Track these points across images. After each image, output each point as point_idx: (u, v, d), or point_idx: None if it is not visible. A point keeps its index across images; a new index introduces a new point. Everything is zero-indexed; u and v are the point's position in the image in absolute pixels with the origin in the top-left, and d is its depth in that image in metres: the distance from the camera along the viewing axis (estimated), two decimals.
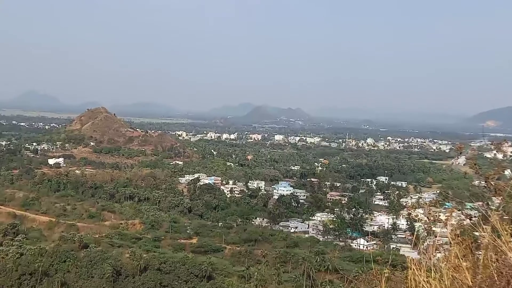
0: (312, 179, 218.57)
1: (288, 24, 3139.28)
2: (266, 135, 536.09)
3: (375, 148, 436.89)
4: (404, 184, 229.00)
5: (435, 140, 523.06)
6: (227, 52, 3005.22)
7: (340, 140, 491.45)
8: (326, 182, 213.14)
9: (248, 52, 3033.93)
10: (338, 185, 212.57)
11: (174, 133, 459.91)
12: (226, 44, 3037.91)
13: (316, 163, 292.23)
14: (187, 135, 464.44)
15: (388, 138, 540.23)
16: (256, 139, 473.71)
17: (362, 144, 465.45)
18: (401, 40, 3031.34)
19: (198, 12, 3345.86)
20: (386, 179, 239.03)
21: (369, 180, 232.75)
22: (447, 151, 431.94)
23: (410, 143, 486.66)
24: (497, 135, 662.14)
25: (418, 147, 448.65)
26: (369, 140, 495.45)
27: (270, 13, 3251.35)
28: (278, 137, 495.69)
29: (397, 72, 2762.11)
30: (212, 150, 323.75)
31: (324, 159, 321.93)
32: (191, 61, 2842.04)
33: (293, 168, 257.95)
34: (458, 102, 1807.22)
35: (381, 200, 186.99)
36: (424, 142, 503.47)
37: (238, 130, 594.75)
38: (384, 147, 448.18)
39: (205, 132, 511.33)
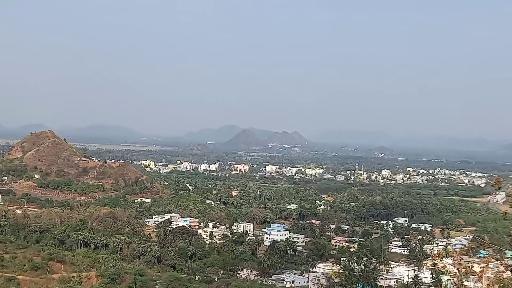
0: (313, 221, 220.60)
1: (281, 26, 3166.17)
2: (255, 165, 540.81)
3: (392, 182, 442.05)
4: (428, 227, 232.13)
5: (467, 172, 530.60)
6: (206, 63, 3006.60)
7: (348, 172, 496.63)
8: (330, 225, 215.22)
9: (233, 63, 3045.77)
10: (345, 228, 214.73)
11: (139, 163, 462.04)
12: (204, 53, 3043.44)
13: (318, 201, 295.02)
14: (156, 165, 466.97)
15: (408, 169, 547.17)
16: (243, 170, 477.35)
17: (376, 177, 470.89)
18: (422, 43, 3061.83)
19: (169, 10, 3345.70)
20: (405, 220, 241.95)
21: (384, 222, 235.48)
22: (482, 185, 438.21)
23: (436, 176, 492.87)
24: None
25: (446, 181, 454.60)
26: (385, 172, 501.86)
27: (258, 14, 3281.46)
28: (270, 168, 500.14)
29: (419, 85, 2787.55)
30: (187, 185, 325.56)
31: (328, 195, 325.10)
32: (160, 74, 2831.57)
33: (289, 207, 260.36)
34: (497, 124, 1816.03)
35: (399, 247, 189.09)
36: (454, 174, 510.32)
37: (220, 159, 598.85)
38: (403, 181, 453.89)
39: (178, 162, 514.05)
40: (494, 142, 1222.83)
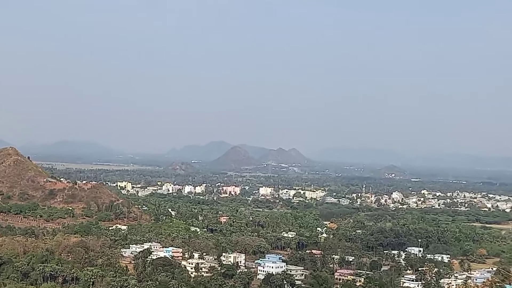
0: (314, 251, 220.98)
1: (277, 27, 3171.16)
2: (247, 187, 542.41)
3: (404, 206, 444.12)
4: (446, 258, 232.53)
5: (491, 195, 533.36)
6: (191, 71, 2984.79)
7: (354, 195, 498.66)
8: (333, 255, 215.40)
9: (221, 70, 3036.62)
10: (350, 259, 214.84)
11: (114, 184, 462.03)
12: (189, 59, 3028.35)
13: (319, 228, 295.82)
14: (133, 187, 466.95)
15: (422, 191, 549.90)
16: (233, 193, 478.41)
17: (386, 200, 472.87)
18: (438, 46, 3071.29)
19: (148, 11, 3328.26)
20: (420, 250, 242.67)
21: (395, 252, 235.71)
22: (507, 210, 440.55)
23: (455, 199, 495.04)
24: None
25: (466, 205, 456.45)
26: (396, 195, 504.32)
27: (251, 14, 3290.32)
28: (265, 191, 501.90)
29: (433, 94, 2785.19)
30: (170, 209, 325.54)
31: (331, 222, 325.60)
32: (138, 84, 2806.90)
33: (286, 235, 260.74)
34: None
35: (412, 281, 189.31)
36: (475, 197, 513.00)
37: (207, 180, 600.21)
38: (417, 205, 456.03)
39: (159, 183, 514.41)
40: None
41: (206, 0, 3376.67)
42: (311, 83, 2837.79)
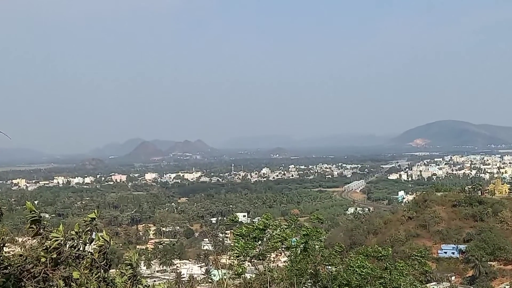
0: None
1: (179, 34, 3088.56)
2: (156, 174, 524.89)
3: (264, 178, 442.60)
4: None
5: (344, 165, 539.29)
6: (106, 71, 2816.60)
7: (226, 174, 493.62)
8: None
9: (140, 66, 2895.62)
10: None
11: (8, 182, 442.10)
12: (105, 59, 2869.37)
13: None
14: (28, 183, 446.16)
15: (290, 166, 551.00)
16: (120, 180, 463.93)
17: (251, 175, 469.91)
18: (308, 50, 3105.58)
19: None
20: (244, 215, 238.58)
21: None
22: (348, 175, 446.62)
23: (310, 170, 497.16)
24: (419, 155, 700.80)
25: (316, 174, 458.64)
26: (264, 170, 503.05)
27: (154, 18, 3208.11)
28: (149, 176, 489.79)
29: (320, 89, 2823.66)
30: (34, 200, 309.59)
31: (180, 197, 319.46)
32: (58, 86, 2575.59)
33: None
34: (387, 120, 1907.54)
35: None
36: (329, 168, 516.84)
37: (114, 171, 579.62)
38: (278, 176, 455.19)
39: (56, 177, 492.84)
40: (384, 136, 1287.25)
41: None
42: (215, 82, 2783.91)
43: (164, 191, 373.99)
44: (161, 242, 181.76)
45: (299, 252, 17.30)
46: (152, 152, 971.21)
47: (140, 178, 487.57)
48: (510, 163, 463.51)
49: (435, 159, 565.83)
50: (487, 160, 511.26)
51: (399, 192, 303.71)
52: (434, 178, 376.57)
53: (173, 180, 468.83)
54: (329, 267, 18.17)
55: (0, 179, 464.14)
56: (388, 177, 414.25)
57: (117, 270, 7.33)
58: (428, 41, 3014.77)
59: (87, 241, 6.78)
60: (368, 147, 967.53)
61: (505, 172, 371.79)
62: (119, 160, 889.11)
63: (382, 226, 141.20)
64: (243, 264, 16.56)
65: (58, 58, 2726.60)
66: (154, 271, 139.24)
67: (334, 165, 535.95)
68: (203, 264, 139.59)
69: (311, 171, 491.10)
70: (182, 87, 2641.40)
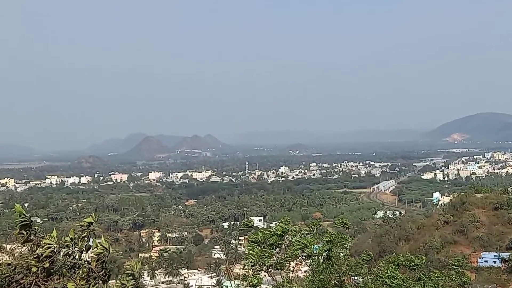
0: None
1: (186, 23, 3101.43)
2: (161, 173, 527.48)
3: (283, 178, 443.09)
4: None
5: (372, 163, 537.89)
6: (105, 59, 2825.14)
7: (240, 173, 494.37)
8: None
9: (139, 60, 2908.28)
10: None
11: None
12: (104, 47, 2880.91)
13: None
14: (17, 183, 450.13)
15: (311, 164, 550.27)
16: (120, 180, 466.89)
17: (268, 175, 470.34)
18: (335, 33, 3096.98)
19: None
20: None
21: None
22: (377, 175, 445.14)
23: (334, 169, 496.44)
24: (456, 152, 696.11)
25: (341, 173, 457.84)
26: (283, 169, 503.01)
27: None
28: (153, 175, 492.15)
29: (345, 79, 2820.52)
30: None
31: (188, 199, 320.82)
32: (57, 79, 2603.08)
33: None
34: (420, 113, 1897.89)
35: None
36: (356, 166, 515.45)
37: (113, 170, 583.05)
38: (298, 176, 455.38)
39: (48, 177, 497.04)
40: (417, 131, 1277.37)
41: None
42: (228, 71, 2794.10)
43: (170, 192, 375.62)
44: (167, 250, 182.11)
45: (321, 261, 17.29)
46: (156, 148, 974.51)
47: (143, 178, 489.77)
48: None
49: (475, 156, 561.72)
50: None
51: (434, 194, 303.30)
52: (474, 178, 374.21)
53: (180, 180, 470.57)
54: (356, 277, 18.15)
55: None
56: (422, 177, 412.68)
57: (117, 281, 7.30)
58: (469, 24, 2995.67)
59: (84, 248, 6.79)
60: (399, 143, 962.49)
61: None
62: (120, 157, 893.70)
63: (415, 232, 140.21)
64: (259, 274, 16.57)
65: (50, 43, 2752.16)
66: (159, 282, 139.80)
67: (361, 163, 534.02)
68: (214, 274, 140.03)
69: (335, 170, 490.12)
70: (191, 77, 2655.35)
